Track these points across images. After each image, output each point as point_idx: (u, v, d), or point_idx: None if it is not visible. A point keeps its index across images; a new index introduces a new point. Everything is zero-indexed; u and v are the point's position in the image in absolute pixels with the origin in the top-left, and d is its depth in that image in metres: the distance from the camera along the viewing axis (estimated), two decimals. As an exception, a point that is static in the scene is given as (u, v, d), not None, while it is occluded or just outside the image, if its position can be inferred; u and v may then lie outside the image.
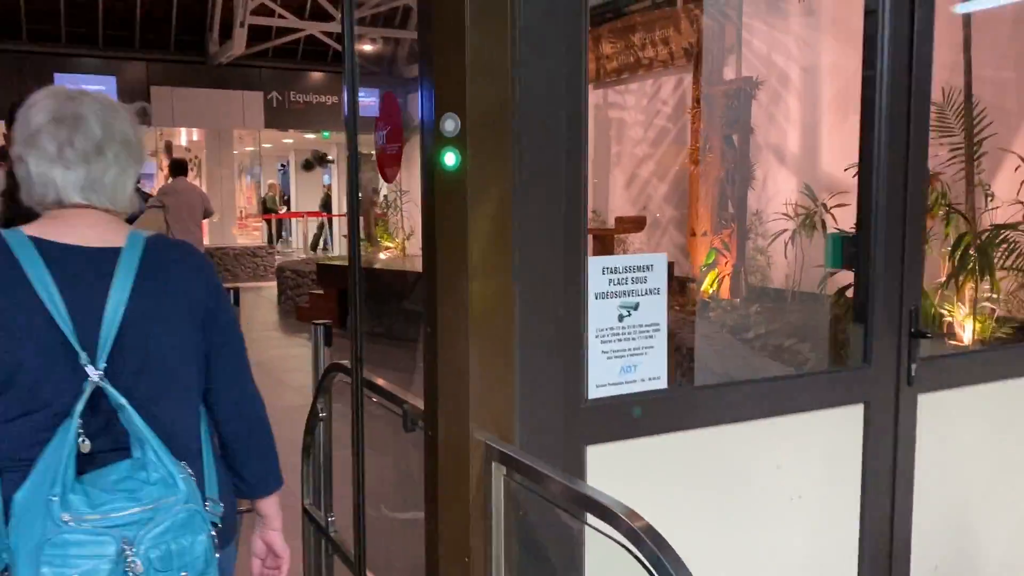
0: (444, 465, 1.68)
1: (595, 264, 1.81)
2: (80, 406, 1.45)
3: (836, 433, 2.20)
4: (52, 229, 1.55)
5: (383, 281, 9.36)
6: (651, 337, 1.90)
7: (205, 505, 1.60)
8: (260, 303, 11.97)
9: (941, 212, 5.34)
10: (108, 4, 14.39)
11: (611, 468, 1.85)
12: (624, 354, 1.87)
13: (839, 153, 7.59)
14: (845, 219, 6.43)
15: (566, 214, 1.72)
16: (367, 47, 15.25)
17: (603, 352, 1.85)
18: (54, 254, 1.51)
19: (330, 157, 21.07)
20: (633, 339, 1.88)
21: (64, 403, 1.47)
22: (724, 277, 7.44)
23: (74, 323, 1.48)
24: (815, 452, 2.17)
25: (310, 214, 19.29)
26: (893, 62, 2.14)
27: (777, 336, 5.75)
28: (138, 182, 1.75)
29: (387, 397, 2.18)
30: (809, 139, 8.04)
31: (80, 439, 1.46)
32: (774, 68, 8.26)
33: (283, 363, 7.87)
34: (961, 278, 5.17)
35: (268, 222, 19.63)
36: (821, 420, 2.17)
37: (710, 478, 2.00)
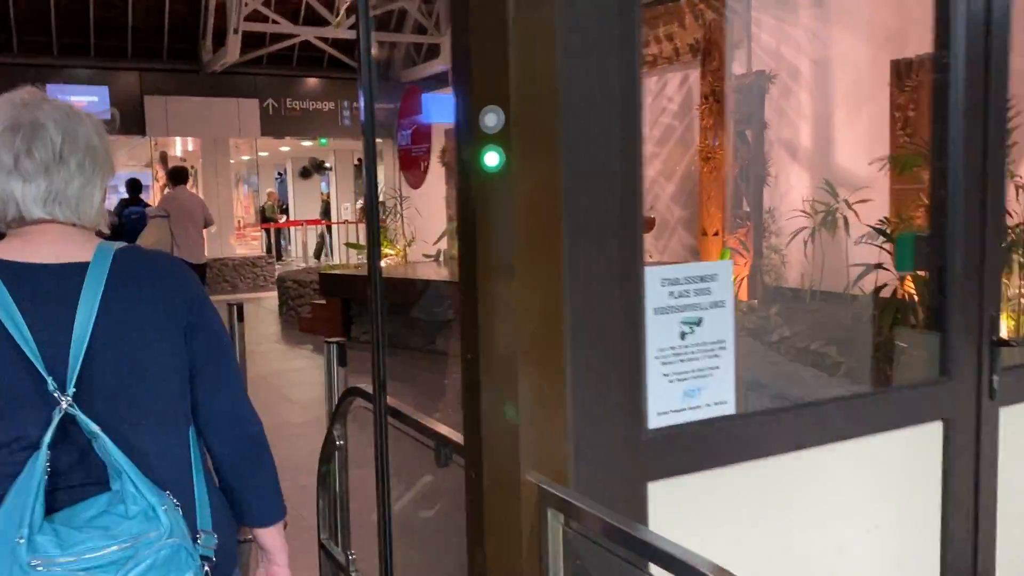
0: (491, 512, 1.46)
1: (653, 275, 1.59)
2: (48, 437, 1.34)
3: (914, 454, 1.99)
4: (12, 248, 1.44)
5: (386, 289, 9.14)
6: (716, 356, 1.68)
7: (196, 538, 1.47)
8: (261, 314, 11.75)
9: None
10: (99, 14, 14.18)
11: (675, 507, 1.63)
12: (687, 376, 1.65)
13: (854, 147, 7.39)
14: (869, 215, 6.22)
15: (620, 220, 1.51)
16: (363, 51, 15.03)
17: (664, 375, 1.63)
18: (14, 274, 1.40)
19: (328, 164, 20.85)
20: (697, 359, 1.66)
21: (33, 434, 1.36)
22: (742, 278, 7.22)
23: (39, 347, 1.37)
24: (892, 476, 1.95)
25: (309, 222, 19.07)
26: (970, 48, 1.93)
27: (802, 339, 5.53)
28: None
29: (414, 427, 1.96)
30: (822, 134, 7.83)
31: (45, 474, 1.33)
32: (784, 62, 8.06)
33: (287, 377, 7.64)
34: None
35: (267, 231, 19.40)
36: (898, 441, 1.95)
37: (783, 511, 1.78)
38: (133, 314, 1.45)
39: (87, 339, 1.38)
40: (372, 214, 1.93)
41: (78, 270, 1.43)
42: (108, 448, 1.36)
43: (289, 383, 7.39)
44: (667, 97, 9.73)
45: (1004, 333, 5.20)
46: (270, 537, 1.65)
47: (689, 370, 1.65)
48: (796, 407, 1.82)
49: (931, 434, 2.00)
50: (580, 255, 1.45)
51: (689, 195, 9.53)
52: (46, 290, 1.41)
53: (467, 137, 1.42)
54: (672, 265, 1.62)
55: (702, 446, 1.66)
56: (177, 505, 1.42)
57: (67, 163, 1.44)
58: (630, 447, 1.56)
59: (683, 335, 1.64)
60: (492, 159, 1.38)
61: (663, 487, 1.61)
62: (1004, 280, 5.10)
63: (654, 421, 1.61)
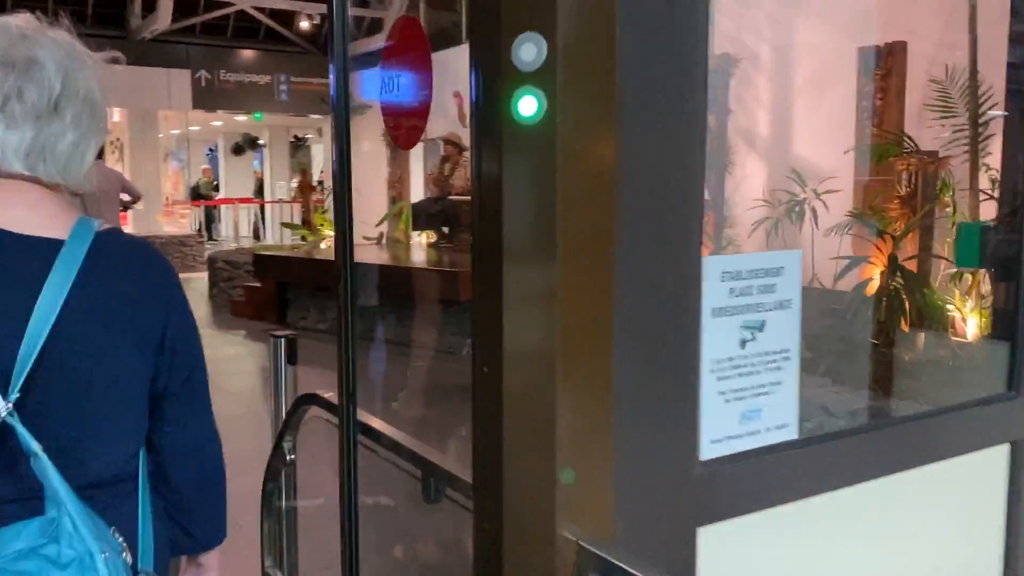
0: (513, 577, 1.10)
1: (713, 266, 1.26)
2: None
3: (975, 484, 1.70)
4: None
5: (327, 272, 8.68)
6: (779, 369, 1.36)
7: None
8: (190, 296, 11.03)
9: (948, 198, 4.97)
10: (17, -29, 13.27)
11: (726, 556, 1.30)
12: (745, 394, 1.32)
13: (818, 136, 7.21)
14: (834, 207, 6.03)
15: (678, 192, 1.17)
16: (303, 24, 14.41)
17: (720, 393, 1.30)
18: None
19: (261, 141, 20.09)
20: (758, 372, 1.33)
21: None
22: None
23: None
24: (952, 511, 1.67)
25: (241, 200, 18.35)
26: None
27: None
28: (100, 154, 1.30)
29: (392, 449, 1.60)
30: (784, 121, 7.64)
31: None
32: (746, 48, 7.83)
33: (217, 365, 7.13)
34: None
35: (199, 209, 18.57)
36: (959, 469, 1.66)
37: (844, 558, 1.47)
38: (103, 314, 1.26)
39: (44, 335, 1.18)
40: (344, 202, 1.58)
41: (50, 248, 1.22)
42: (48, 473, 1.16)
43: (222, 372, 6.89)
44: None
45: (975, 332, 5.05)
46: (210, 556, 1.51)
47: (748, 386, 1.32)
48: (863, 431, 1.51)
49: (994, 460, 1.72)
50: (634, 235, 1.10)
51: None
52: (9, 266, 1.21)
53: (491, 77, 1.05)
54: (734, 255, 1.29)
55: (759, 481, 1.34)
56: (121, 543, 1.24)
57: (62, 114, 1.25)
58: (679, 484, 1.23)
59: (743, 343, 1.31)
60: (528, 105, 1.02)
61: (714, 532, 1.28)
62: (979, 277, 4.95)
63: (707, 451, 1.27)
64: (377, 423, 1.60)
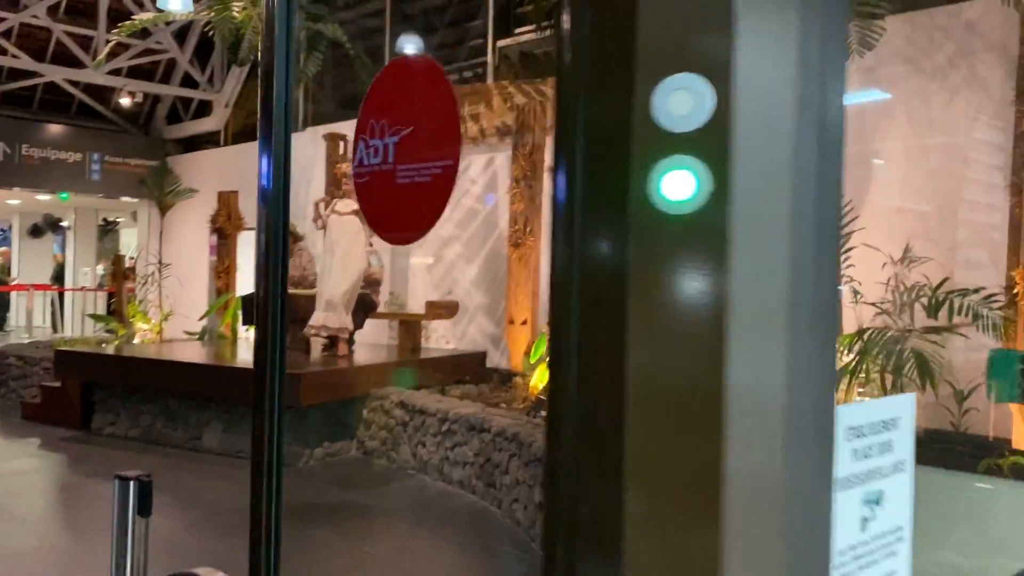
0: None
1: (841, 419, 0.91)
2: None
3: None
4: None
5: (141, 372, 7.74)
6: (894, 553, 1.02)
7: None
8: (-30, 396, 9.64)
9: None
10: None
11: None
12: (866, 592, 0.97)
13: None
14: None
15: (827, 314, 0.82)
16: (124, 100, 13.44)
17: (840, 594, 0.94)
18: None
19: (65, 222, 18.42)
20: (875, 560, 0.99)
21: None
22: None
23: None
24: None
25: (38, 287, 16.59)
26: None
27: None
28: None
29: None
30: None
31: None
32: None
33: (4, 484, 6.03)
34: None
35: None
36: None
37: None
38: None
39: None
40: (274, 296, 1.15)
41: None
42: None
43: (8, 492, 5.81)
44: (470, 179, 9.30)
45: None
46: None
47: (868, 581, 0.97)
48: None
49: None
50: (805, 378, 0.74)
51: (492, 281, 9.05)
52: None
53: (609, 141, 0.67)
54: (857, 403, 0.95)
55: None
56: None
57: None
58: None
59: (864, 522, 0.96)
60: (679, 185, 0.65)
61: None
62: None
63: None
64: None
